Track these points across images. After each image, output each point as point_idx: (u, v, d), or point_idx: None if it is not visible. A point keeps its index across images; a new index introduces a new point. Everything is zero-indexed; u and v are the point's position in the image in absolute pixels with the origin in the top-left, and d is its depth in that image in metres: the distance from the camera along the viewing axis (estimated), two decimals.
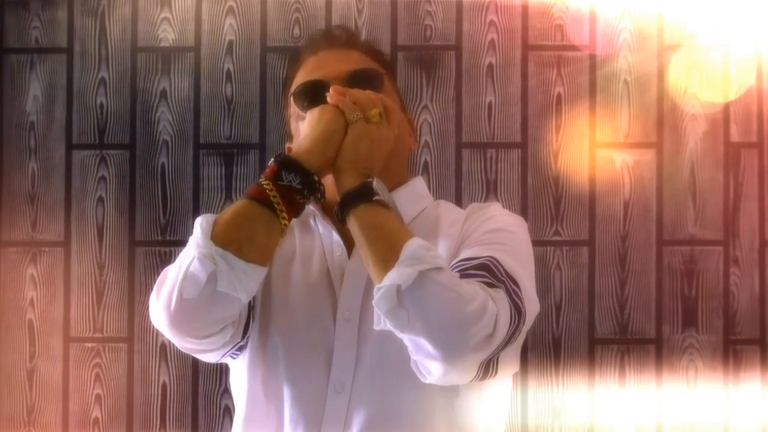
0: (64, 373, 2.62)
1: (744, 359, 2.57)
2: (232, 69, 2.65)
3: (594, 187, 2.60)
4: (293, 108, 1.63)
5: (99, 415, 2.61)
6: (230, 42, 2.65)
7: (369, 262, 1.41)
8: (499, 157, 2.61)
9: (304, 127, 1.51)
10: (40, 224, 2.64)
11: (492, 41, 2.63)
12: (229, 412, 2.57)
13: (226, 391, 2.56)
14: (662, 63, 2.60)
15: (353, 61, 1.60)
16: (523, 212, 2.57)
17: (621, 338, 2.58)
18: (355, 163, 1.47)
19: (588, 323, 2.58)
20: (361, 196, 1.43)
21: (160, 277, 1.48)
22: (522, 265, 1.48)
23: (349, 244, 1.53)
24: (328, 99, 1.50)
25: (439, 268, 1.36)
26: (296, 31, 2.63)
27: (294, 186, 1.43)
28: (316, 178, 1.45)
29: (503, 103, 2.62)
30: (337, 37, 1.65)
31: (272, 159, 1.46)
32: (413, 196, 1.61)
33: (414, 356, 1.39)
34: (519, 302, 1.42)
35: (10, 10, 2.66)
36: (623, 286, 2.59)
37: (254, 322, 1.53)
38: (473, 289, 1.37)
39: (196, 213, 2.62)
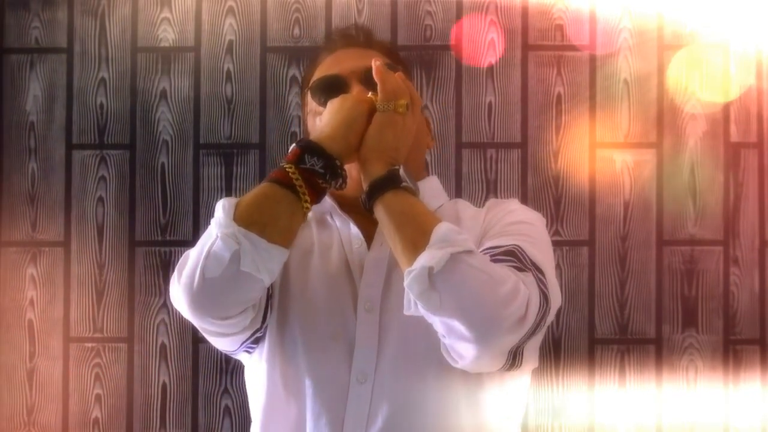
0: (64, 373, 2.62)
1: (744, 359, 2.57)
2: (232, 69, 2.65)
3: (594, 187, 2.60)
4: (310, 105, 1.64)
5: (99, 415, 2.61)
6: (230, 42, 2.65)
7: (398, 247, 1.40)
8: (499, 157, 2.61)
9: (324, 115, 1.51)
10: (40, 224, 2.64)
11: (492, 41, 2.63)
12: (229, 412, 2.57)
13: (226, 391, 2.57)
14: (662, 63, 2.60)
15: (370, 58, 1.60)
16: None
17: (621, 338, 2.58)
18: (381, 152, 1.47)
19: (588, 323, 2.58)
20: (389, 183, 1.43)
21: (180, 260, 1.50)
22: (544, 255, 1.50)
23: (367, 235, 1.54)
24: (374, 72, 1.50)
25: (470, 251, 1.36)
26: (296, 31, 2.63)
27: (317, 170, 1.42)
28: (339, 163, 1.44)
29: (503, 103, 2.62)
30: (354, 37, 1.67)
31: (294, 144, 1.46)
32: (432, 192, 1.63)
33: (446, 340, 1.39)
34: (545, 290, 1.43)
35: (10, 10, 2.66)
36: (623, 286, 2.59)
37: (272, 312, 1.53)
38: (505, 271, 1.37)
39: (196, 213, 2.62)
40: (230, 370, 2.57)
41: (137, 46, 2.66)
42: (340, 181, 1.46)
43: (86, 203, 2.64)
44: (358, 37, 1.67)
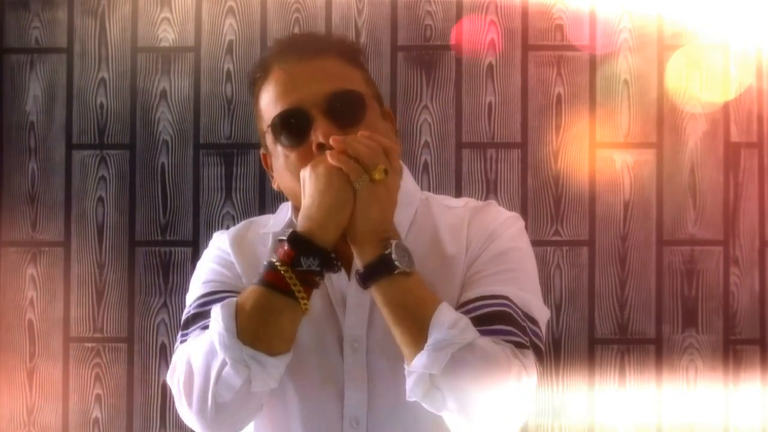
0: (64, 373, 2.61)
1: (744, 359, 2.56)
2: (232, 69, 2.65)
3: (594, 187, 2.60)
4: (269, 130, 1.52)
5: (99, 415, 2.61)
6: (230, 42, 2.65)
7: (399, 340, 1.39)
8: (499, 157, 2.61)
9: (310, 189, 1.41)
10: (40, 224, 2.64)
11: (492, 41, 2.63)
12: None
13: None
14: (662, 63, 2.60)
15: (328, 75, 1.48)
16: (523, 212, 2.57)
17: (621, 338, 2.58)
18: (370, 232, 1.40)
19: (588, 323, 2.58)
20: (381, 271, 1.39)
21: (183, 369, 1.43)
22: (531, 287, 1.49)
23: (346, 262, 1.47)
24: (330, 159, 1.40)
25: (469, 345, 1.35)
26: (296, 31, 2.63)
27: (313, 269, 1.38)
28: (333, 255, 1.40)
29: (503, 103, 2.62)
30: (306, 46, 1.53)
31: (285, 240, 1.39)
32: (404, 200, 1.53)
33: (449, 425, 1.40)
34: (539, 343, 1.43)
35: (10, 10, 2.66)
36: (623, 286, 2.59)
37: None
38: (505, 358, 1.36)
39: (196, 213, 2.62)
40: None
41: (137, 46, 2.66)
42: (336, 269, 1.42)
43: (86, 203, 2.64)
44: (309, 45, 1.53)
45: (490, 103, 2.63)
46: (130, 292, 2.62)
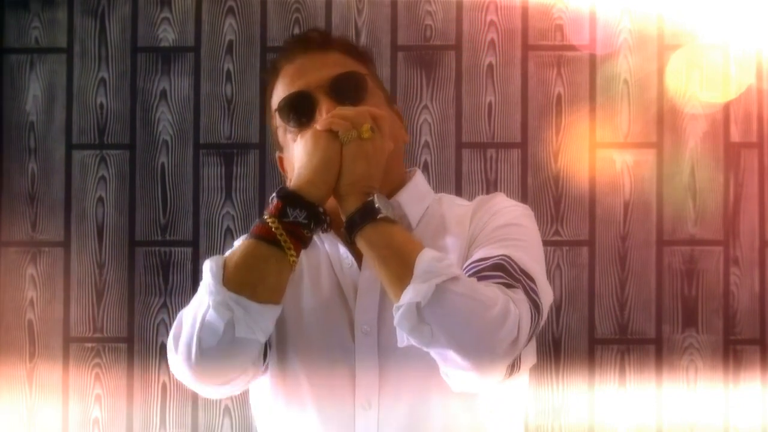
0: (64, 373, 2.62)
1: (744, 359, 2.57)
2: (232, 69, 2.65)
3: (594, 187, 2.60)
4: (278, 120, 1.60)
5: (99, 415, 2.61)
6: (230, 42, 2.65)
7: (385, 282, 1.40)
8: (499, 157, 2.61)
9: (299, 154, 1.48)
10: (40, 224, 2.64)
11: (492, 41, 2.63)
12: (229, 412, 2.57)
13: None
14: (662, 63, 2.60)
15: (332, 64, 1.56)
16: None
17: (621, 338, 2.58)
18: (354, 184, 1.45)
19: (588, 323, 2.58)
20: (364, 217, 1.42)
21: (174, 326, 1.47)
22: (533, 257, 1.49)
23: (357, 254, 1.52)
24: (319, 125, 1.47)
25: (454, 278, 1.35)
26: (296, 31, 2.63)
27: (300, 221, 1.41)
28: (321, 210, 1.43)
29: (503, 103, 2.62)
30: (311, 40, 1.60)
31: (274, 194, 1.44)
32: (416, 196, 1.60)
33: (443, 368, 1.40)
34: (536, 298, 1.42)
35: (10, 10, 2.66)
36: (623, 286, 2.59)
37: (271, 349, 1.53)
38: (493, 293, 1.37)
39: (196, 213, 2.62)
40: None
41: (137, 46, 2.66)
42: (324, 225, 1.45)
43: (86, 203, 2.64)
44: (315, 39, 1.60)
45: (490, 103, 2.63)
46: (130, 292, 2.62)
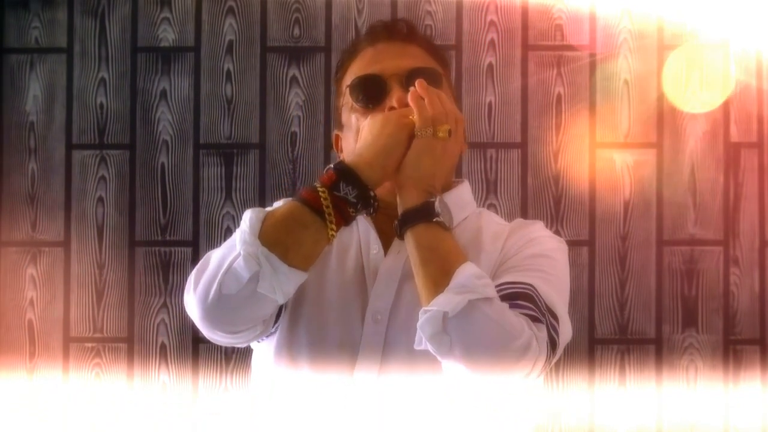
0: (64, 373, 2.61)
1: (744, 359, 2.57)
2: (232, 69, 2.65)
3: (594, 187, 2.60)
4: (346, 98, 1.60)
5: (99, 415, 2.61)
6: (230, 42, 2.65)
7: (420, 283, 1.41)
8: (499, 157, 2.61)
9: (365, 133, 1.49)
10: (40, 224, 2.64)
11: (492, 41, 2.63)
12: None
13: (226, 391, 2.56)
14: (662, 63, 2.60)
15: (412, 56, 1.58)
16: (523, 212, 2.57)
17: (621, 338, 2.58)
18: (418, 179, 1.45)
19: (588, 323, 2.58)
20: (421, 215, 1.42)
21: (201, 262, 1.46)
22: (559, 292, 1.49)
23: (386, 241, 1.53)
24: (410, 98, 1.48)
25: (488, 299, 1.36)
26: (296, 31, 2.63)
27: (349, 199, 1.41)
28: (373, 193, 1.43)
29: (503, 103, 2.62)
30: (397, 30, 1.62)
31: (332, 165, 1.44)
32: (459, 203, 1.59)
33: (449, 378, 1.40)
34: (555, 337, 1.43)
35: (10, 10, 2.66)
36: (623, 286, 2.59)
37: (285, 312, 1.53)
38: (519, 324, 1.37)
39: (196, 213, 2.62)
40: (230, 369, 2.57)
41: (137, 46, 2.66)
42: (371, 209, 1.45)
43: (86, 203, 2.64)
44: (401, 30, 1.62)
45: (490, 103, 2.63)
46: (130, 292, 2.62)
